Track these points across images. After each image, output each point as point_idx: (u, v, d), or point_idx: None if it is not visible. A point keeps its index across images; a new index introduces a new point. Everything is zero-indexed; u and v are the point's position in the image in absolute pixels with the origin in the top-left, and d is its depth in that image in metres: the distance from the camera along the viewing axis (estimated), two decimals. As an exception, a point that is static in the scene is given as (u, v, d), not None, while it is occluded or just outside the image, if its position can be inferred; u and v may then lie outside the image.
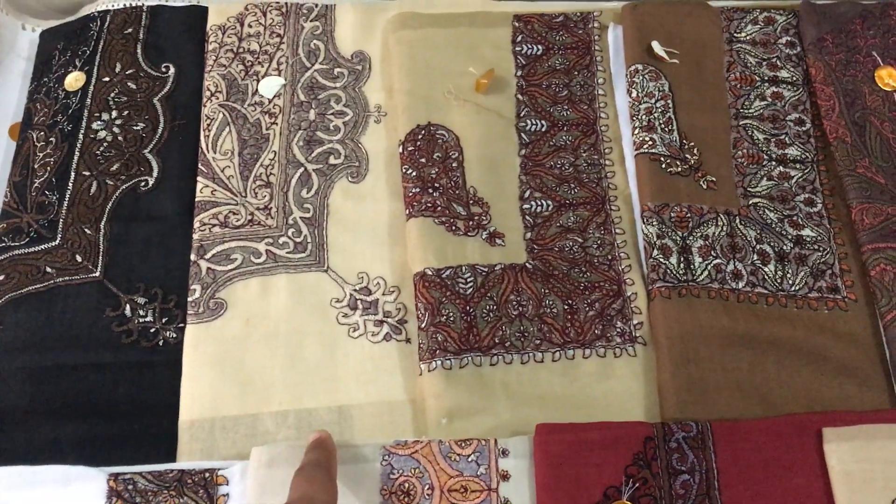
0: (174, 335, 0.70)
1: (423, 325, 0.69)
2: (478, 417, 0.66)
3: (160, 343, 0.70)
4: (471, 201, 0.74)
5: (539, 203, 0.75)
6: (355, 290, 0.72)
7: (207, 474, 0.63)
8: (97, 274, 0.72)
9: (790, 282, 0.71)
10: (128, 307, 0.71)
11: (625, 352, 0.69)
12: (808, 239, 0.73)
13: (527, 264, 0.72)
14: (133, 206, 0.76)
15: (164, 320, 0.71)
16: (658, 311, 0.69)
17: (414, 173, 0.75)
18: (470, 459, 0.62)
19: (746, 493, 0.61)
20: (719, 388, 0.67)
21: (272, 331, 0.70)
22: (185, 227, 0.74)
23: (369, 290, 0.72)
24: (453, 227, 0.73)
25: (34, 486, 0.62)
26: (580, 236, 0.74)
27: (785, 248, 0.73)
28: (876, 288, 0.70)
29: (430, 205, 0.73)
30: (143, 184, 0.77)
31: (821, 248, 0.73)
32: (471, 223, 0.73)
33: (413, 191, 0.74)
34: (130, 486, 0.62)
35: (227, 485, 0.63)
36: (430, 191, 0.74)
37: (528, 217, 0.75)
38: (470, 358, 0.67)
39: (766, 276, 0.71)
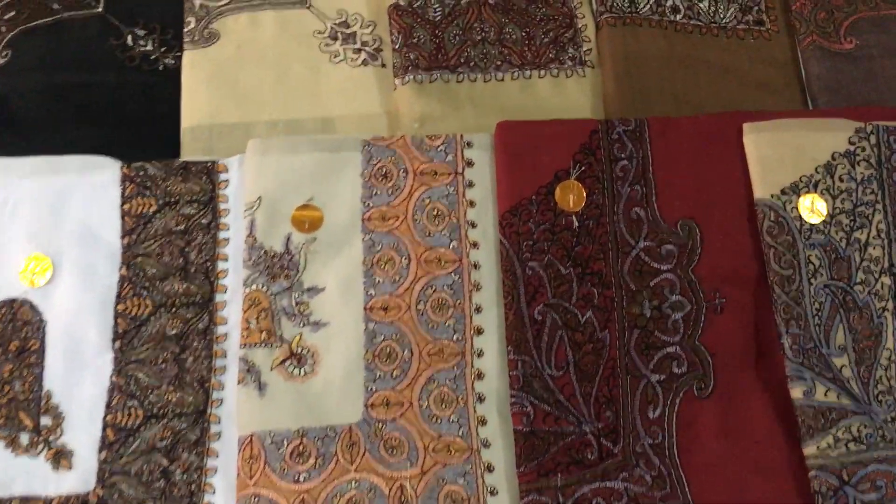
0: (173, 62, 0.78)
1: (396, 47, 0.77)
2: (446, 123, 0.75)
3: (160, 68, 0.78)
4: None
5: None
6: (335, 24, 0.80)
7: (210, 164, 0.72)
8: (100, 9, 0.79)
9: (721, 15, 0.80)
10: (129, 37, 0.78)
11: (575, 73, 0.78)
12: (739, -18, 0.82)
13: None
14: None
15: (162, 49, 0.78)
16: (605, 36, 0.78)
17: None
18: (439, 149, 0.71)
19: (677, 176, 0.71)
20: (657, 99, 0.76)
21: (261, 56, 0.78)
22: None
23: (348, 24, 0.80)
24: (423, -32, 0.80)
25: (56, 173, 0.70)
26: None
27: (719, -12, 0.82)
28: (796, 20, 0.79)
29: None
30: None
31: (751, -9, 0.82)
32: None
33: None
34: (142, 173, 0.71)
35: (227, 172, 0.72)
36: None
37: None
38: (439, 74, 0.76)
39: (700, 11, 0.80)
